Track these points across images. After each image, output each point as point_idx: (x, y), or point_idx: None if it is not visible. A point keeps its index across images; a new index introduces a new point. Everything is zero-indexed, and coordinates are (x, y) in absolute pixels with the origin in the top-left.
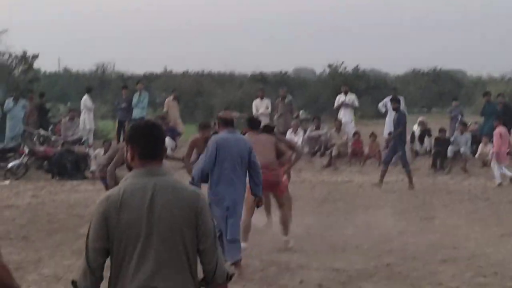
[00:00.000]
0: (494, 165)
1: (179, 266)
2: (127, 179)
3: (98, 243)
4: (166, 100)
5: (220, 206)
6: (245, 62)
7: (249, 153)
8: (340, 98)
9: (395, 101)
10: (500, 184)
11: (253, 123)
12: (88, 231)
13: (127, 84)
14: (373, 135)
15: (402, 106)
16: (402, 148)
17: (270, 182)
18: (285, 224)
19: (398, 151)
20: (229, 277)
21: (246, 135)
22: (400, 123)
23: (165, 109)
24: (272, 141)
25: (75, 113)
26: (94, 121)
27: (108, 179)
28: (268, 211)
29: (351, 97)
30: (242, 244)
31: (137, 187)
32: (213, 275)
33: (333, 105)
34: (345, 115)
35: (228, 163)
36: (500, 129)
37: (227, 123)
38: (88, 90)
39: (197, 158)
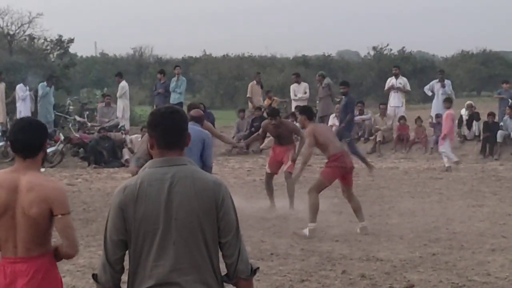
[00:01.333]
0: None
1: (199, 260)
2: (145, 168)
3: (116, 235)
4: (250, 84)
5: None
6: (287, 45)
7: (201, 145)
8: (391, 81)
9: (345, 84)
10: None
11: (310, 113)
12: (106, 223)
13: (165, 68)
14: (419, 120)
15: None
16: (348, 135)
17: (350, 169)
18: (359, 211)
19: (343, 138)
20: (253, 272)
21: (309, 127)
22: (348, 108)
23: (248, 94)
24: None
25: (111, 98)
26: (130, 107)
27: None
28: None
29: (403, 81)
30: (311, 225)
31: (154, 177)
32: (235, 270)
33: (378, 89)
34: (395, 99)
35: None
36: None
37: (192, 119)
38: (120, 75)
39: None
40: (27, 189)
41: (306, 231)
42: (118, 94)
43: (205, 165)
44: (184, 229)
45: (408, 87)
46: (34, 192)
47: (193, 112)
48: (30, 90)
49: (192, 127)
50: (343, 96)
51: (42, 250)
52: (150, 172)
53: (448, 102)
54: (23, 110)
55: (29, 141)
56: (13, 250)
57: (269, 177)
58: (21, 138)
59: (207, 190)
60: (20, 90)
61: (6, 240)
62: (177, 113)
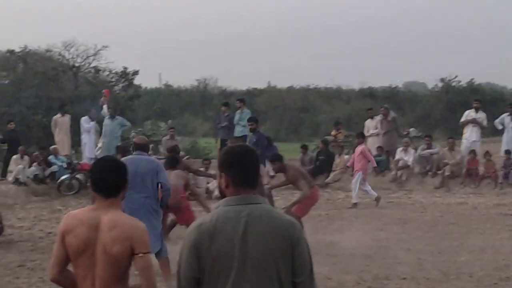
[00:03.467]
0: None
1: None
2: (219, 206)
3: (190, 273)
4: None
5: None
6: (352, 76)
7: (155, 173)
8: (470, 114)
9: (253, 121)
10: None
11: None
12: (180, 260)
13: (229, 100)
14: (487, 154)
15: None
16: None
17: None
18: None
19: None
20: None
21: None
22: (259, 146)
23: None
24: None
25: (174, 131)
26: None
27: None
28: None
29: (482, 115)
30: None
31: (230, 215)
32: None
33: (446, 121)
34: (472, 133)
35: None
36: None
37: (138, 147)
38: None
39: None
40: (109, 227)
41: None
42: None
43: (165, 188)
44: (259, 268)
45: (485, 123)
46: (117, 230)
47: (137, 140)
48: (93, 121)
49: (140, 158)
50: (251, 133)
51: None
52: (226, 210)
53: None
54: (88, 142)
55: (111, 180)
56: None
57: None
58: (103, 177)
59: (283, 229)
60: (85, 122)
61: (84, 278)
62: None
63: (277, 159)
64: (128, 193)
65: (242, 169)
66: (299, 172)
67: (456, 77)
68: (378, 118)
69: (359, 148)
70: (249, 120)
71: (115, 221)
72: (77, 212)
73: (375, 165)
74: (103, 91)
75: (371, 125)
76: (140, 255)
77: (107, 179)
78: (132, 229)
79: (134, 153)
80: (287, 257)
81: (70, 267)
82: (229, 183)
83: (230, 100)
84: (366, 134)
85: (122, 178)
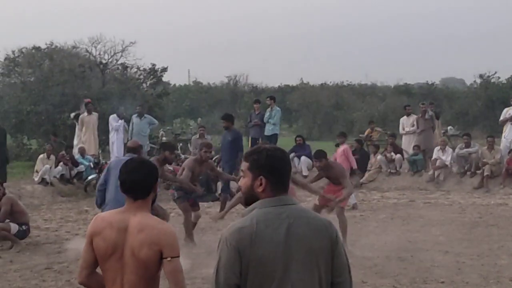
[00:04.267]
0: None
1: None
2: (255, 208)
3: (232, 279)
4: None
5: None
6: (388, 72)
7: None
8: (509, 111)
9: (226, 118)
10: None
11: None
12: (217, 266)
13: (261, 97)
14: None
15: None
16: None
17: None
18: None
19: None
20: None
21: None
22: (237, 145)
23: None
24: None
25: (205, 130)
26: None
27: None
28: None
29: None
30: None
31: (270, 218)
32: None
33: (486, 119)
34: (511, 132)
35: (114, 184)
36: None
37: (129, 150)
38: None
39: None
40: (137, 230)
41: None
42: None
43: None
44: (303, 270)
45: None
46: (145, 233)
47: (130, 143)
48: (122, 119)
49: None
50: (226, 131)
51: None
52: (265, 212)
53: None
54: (116, 141)
55: (140, 182)
56: None
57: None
58: (132, 179)
59: (322, 228)
60: (114, 120)
61: (113, 282)
62: (287, 155)
63: (323, 156)
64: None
65: (283, 173)
66: (344, 170)
67: (495, 73)
68: (414, 116)
69: (341, 148)
70: (223, 118)
71: (143, 224)
72: (106, 215)
73: (355, 166)
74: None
75: (407, 123)
76: (169, 259)
77: (136, 181)
78: (161, 234)
79: (126, 155)
80: (328, 257)
81: (99, 270)
82: (267, 186)
83: (261, 97)
84: (401, 131)
85: (152, 180)
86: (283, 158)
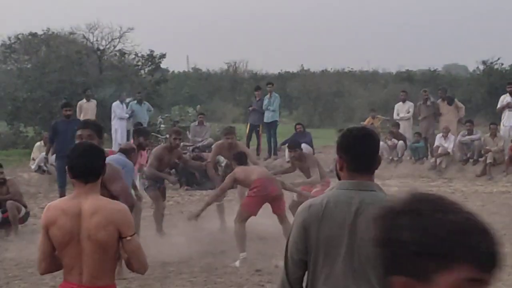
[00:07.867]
0: None
1: None
2: (333, 189)
3: (297, 254)
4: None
5: None
6: (390, 59)
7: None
8: (505, 98)
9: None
10: None
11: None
12: (287, 241)
13: (261, 84)
14: None
15: None
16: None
17: (275, 196)
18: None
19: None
20: None
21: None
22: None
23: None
24: None
25: (204, 117)
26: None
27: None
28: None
29: None
30: (242, 254)
31: (341, 199)
32: None
33: (489, 106)
34: (509, 119)
35: None
36: None
37: (121, 151)
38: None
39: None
40: (91, 213)
41: (237, 263)
42: None
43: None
44: (365, 258)
45: None
46: (99, 215)
47: (123, 145)
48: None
49: (118, 158)
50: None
51: (107, 281)
52: (338, 194)
53: None
54: (119, 128)
55: (90, 165)
56: (79, 277)
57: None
58: (81, 162)
59: None
60: (117, 107)
61: (72, 267)
62: (370, 136)
63: (297, 146)
64: None
65: (358, 154)
66: (317, 162)
67: (498, 59)
68: (409, 103)
69: None
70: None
71: (96, 206)
72: (57, 202)
73: None
74: None
75: (402, 109)
76: (128, 238)
77: (86, 164)
78: (114, 213)
79: (117, 154)
80: None
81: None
82: (343, 167)
83: (261, 84)
84: (395, 117)
85: (100, 162)
86: (360, 138)
